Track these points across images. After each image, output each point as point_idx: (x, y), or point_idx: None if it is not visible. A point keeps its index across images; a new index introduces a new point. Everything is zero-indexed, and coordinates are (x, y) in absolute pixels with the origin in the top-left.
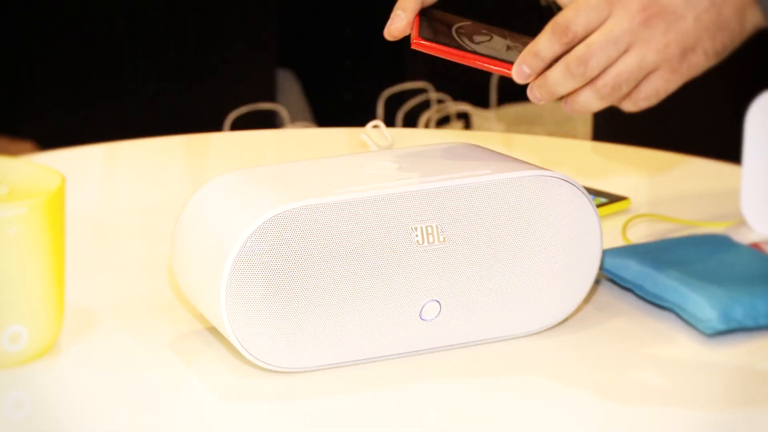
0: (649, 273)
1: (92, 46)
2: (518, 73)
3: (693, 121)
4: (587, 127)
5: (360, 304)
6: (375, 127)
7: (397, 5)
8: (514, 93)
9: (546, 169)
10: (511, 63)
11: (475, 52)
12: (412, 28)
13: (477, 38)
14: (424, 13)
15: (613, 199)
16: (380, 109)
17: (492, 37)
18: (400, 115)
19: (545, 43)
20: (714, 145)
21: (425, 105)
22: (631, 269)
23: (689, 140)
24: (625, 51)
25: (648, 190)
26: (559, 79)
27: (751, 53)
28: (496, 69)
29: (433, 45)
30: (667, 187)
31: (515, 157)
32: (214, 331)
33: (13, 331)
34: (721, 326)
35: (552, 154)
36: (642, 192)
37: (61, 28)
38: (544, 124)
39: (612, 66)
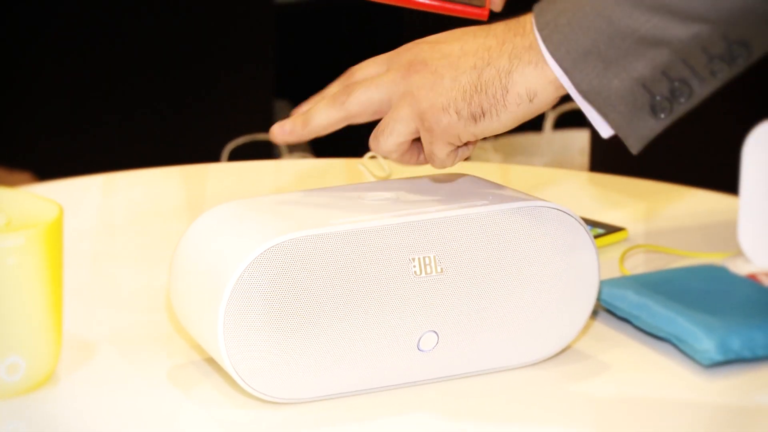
0: (646, 304)
1: (89, 77)
2: (278, 131)
3: (690, 152)
4: (584, 158)
5: (358, 334)
6: (372, 157)
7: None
8: None
9: (543, 200)
10: (482, 5)
11: None
12: None
13: None
14: None
15: (611, 230)
16: None
17: None
18: None
19: (331, 85)
20: (711, 177)
21: None
22: (629, 300)
23: (686, 171)
24: (385, 95)
25: (645, 221)
26: (320, 107)
27: (747, 86)
28: (463, 10)
29: None
30: (664, 218)
31: (512, 188)
32: (211, 361)
33: (11, 361)
34: (719, 357)
35: (549, 185)
36: (639, 223)
37: (59, 59)
38: (541, 155)
39: (368, 103)
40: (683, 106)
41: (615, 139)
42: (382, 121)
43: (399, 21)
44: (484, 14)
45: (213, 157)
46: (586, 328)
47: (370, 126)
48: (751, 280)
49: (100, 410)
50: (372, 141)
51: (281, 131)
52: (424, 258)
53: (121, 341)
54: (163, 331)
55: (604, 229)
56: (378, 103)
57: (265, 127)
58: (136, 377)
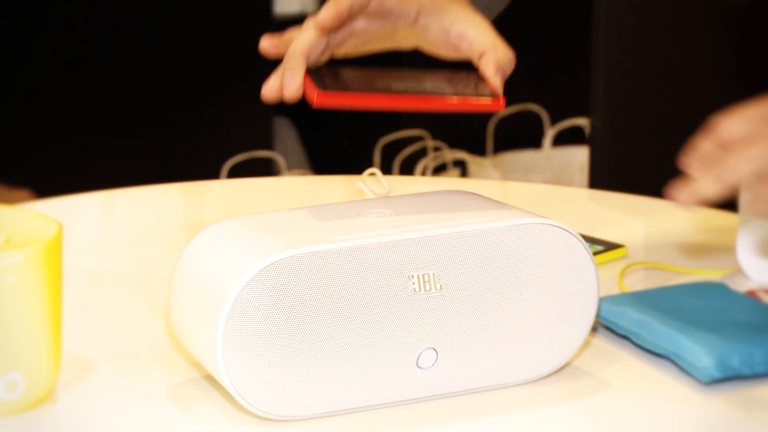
0: (645, 321)
1: (89, 95)
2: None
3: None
4: (583, 175)
5: (357, 351)
6: (372, 174)
7: (283, 66)
8: (510, 141)
9: (542, 217)
10: (443, 95)
11: (392, 92)
12: (305, 87)
13: (385, 80)
14: (312, 70)
15: (610, 246)
16: (377, 156)
17: (399, 76)
18: (396, 163)
19: (698, 144)
20: None
21: (422, 153)
22: (628, 317)
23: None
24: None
25: (644, 237)
26: (704, 182)
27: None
28: (427, 105)
29: (341, 94)
30: (663, 235)
31: (511, 204)
32: (210, 379)
33: (9, 379)
34: (718, 374)
35: (548, 202)
36: (638, 240)
37: (59, 77)
38: (540, 172)
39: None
40: None
41: (615, 157)
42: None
43: None
44: (499, 105)
45: (213, 174)
46: (585, 345)
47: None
48: (751, 297)
49: (99, 428)
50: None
51: None
52: (423, 275)
53: (121, 358)
54: (163, 348)
55: (603, 246)
56: (755, 173)
57: (265, 145)
58: (135, 394)
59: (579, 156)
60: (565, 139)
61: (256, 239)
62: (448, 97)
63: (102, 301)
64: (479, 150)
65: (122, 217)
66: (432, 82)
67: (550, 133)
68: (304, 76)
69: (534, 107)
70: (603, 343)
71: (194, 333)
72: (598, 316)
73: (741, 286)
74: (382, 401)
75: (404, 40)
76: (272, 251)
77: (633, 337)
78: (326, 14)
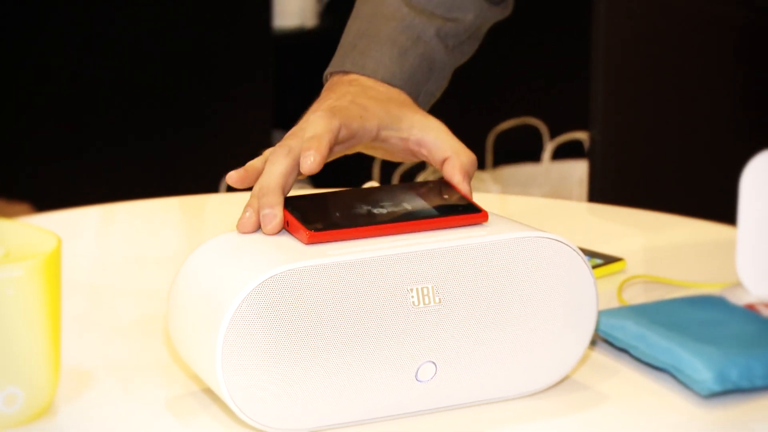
0: (644, 334)
1: (88, 108)
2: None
3: (688, 182)
4: (583, 188)
5: (356, 364)
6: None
7: (263, 203)
8: (509, 155)
9: (541, 231)
10: (429, 218)
11: (379, 222)
12: (287, 221)
13: (364, 207)
14: (289, 205)
15: (609, 260)
16: (376, 169)
17: (374, 198)
18: (396, 176)
19: None
20: (709, 207)
21: (421, 165)
22: (627, 330)
23: (685, 201)
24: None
25: (643, 251)
26: None
27: (746, 118)
28: (417, 229)
29: (331, 233)
30: (662, 249)
31: (511, 218)
32: (209, 392)
33: (9, 392)
34: (717, 387)
35: (547, 216)
36: (637, 253)
37: (58, 90)
38: (539, 185)
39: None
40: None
41: (614, 171)
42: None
43: None
44: (485, 218)
45: (211, 187)
46: (584, 359)
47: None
48: (750, 311)
49: None
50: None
51: None
52: (422, 288)
53: (120, 371)
54: (161, 361)
55: (602, 260)
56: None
57: None
58: (134, 408)
59: (578, 169)
60: (564, 152)
61: (254, 253)
62: (435, 219)
63: (101, 314)
64: (478, 163)
65: (121, 230)
66: (410, 201)
67: (549, 147)
68: (292, 219)
69: (533, 121)
70: (602, 356)
71: (193, 346)
72: (597, 329)
73: (740, 300)
74: (381, 414)
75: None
76: (271, 265)
77: (632, 351)
78: (313, 162)
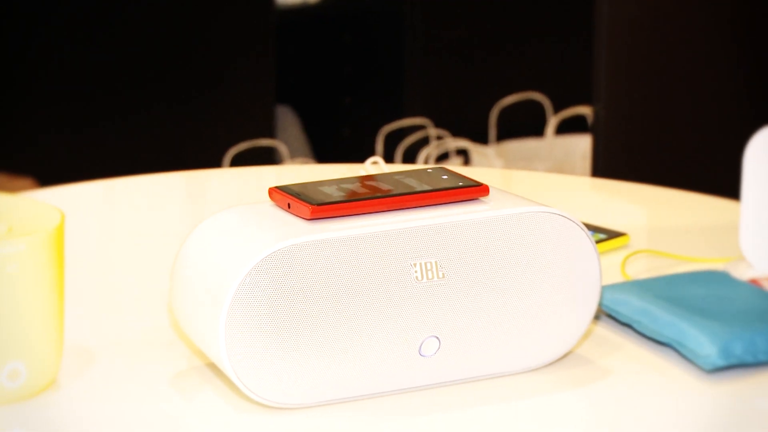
0: (648, 309)
1: (91, 84)
2: None
3: (692, 157)
4: (586, 163)
5: (359, 340)
6: (374, 163)
7: None
8: (513, 129)
9: (545, 206)
10: (430, 191)
11: (387, 196)
12: (288, 205)
13: (366, 186)
14: (289, 189)
15: (612, 235)
16: (379, 145)
17: (378, 180)
18: (399, 152)
19: None
20: (713, 182)
21: (424, 141)
22: (631, 305)
23: (688, 176)
24: None
25: (647, 226)
26: None
27: (749, 92)
28: (418, 202)
29: (334, 207)
30: (666, 223)
31: (514, 193)
32: (213, 367)
33: (12, 367)
34: (721, 362)
35: (551, 191)
36: (641, 228)
37: (61, 64)
38: (542, 160)
39: None
40: None
41: (618, 146)
42: None
43: (399, 26)
44: (485, 189)
45: (215, 162)
46: (587, 333)
47: (370, 132)
48: (753, 285)
49: (101, 416)
50: None
51: None
52: (425, 263)
53: (123, 347)
54: (165, 336)
55: (605, 235)
56: None
57: (267, 133)
58: (137, 383)
59: (582, 144)
60: (567, 127)
61: (258, 228)
62: (437, 192)
63: (104, 289)
64: (482, 138)
65: (125, 205)
66: (411, 179)
67: (552, 122)
68: (292, 198)
69: (537, 96)
70: (605, 331)
71: (196, 321)
72: (600, 304)
73: (744, 275)
74: (385, 389)
75: None
76: (274, 240)
77: (635, 325)
78: None
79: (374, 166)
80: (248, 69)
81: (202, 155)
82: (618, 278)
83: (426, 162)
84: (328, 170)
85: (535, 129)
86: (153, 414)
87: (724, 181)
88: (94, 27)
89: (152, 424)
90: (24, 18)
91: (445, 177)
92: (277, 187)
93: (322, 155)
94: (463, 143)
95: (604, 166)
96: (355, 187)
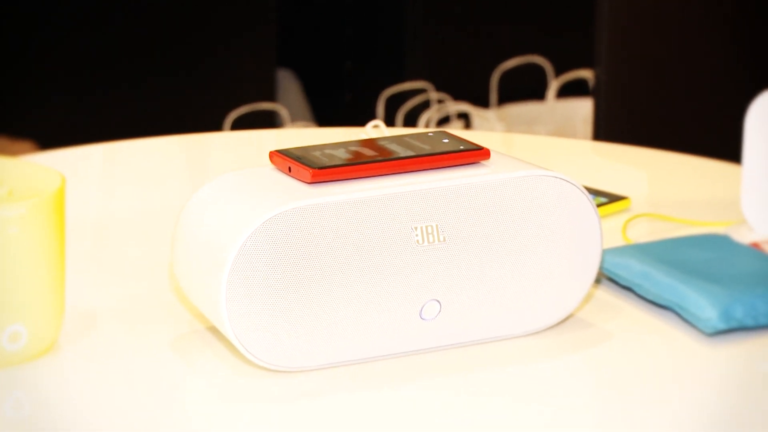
0: (649, 272)
1: (91, 46)
2: None
3: (693, 120)
4: (588, 127)
5: (360, 303)
6: (375, 127)
7: None
8: (514, 93)
9: (546, 169)
10: (431, 154)
11: (388, 160)
12: (288, 169)
13: (367, 150)
14: (290, 152)
15: (613, 198)
16: (380, 108)
17: (380, 144)
18: (400, 115)
19: None
20: (715, 145)
21: (425, 105)
22: (632, 268)
23: (689, 140)
24: None
25: (648, 189)
26: None
27: (751, 55)
28: (467, 155)
29: (335, 170)
30: (667, 187)
31: (515, 156)
32: (214, 330)
33: (12, 330)
34: (722, 325)
35: (552, 154)
36: (642, 191)
37: (61, 28)
38: (544, 124)
39: None
40: None
41: (619, 109)
42: None
43: None
44: (486, 153)
45: (215, 126)
46: (588, 297)
47: (371, 95)
48: (754, 249)
49: (102, 379)
50: None
51: None
52: (426, 227)
53: (124, 311)
54: (166, 300)
55: (606, 198)
56: None
57: (268, 97)
58: (138, 346)
59: (583, 108)
60: (569, 91)
61: (258, 192)
62: (438, 156)
63: (105, 253)
64: (483, 102)
65: (125, 169)
66: (412, 142)
67: (554, 85)
68: (293, 162)
69: (538, 59)
70: (606, 294)
71: (198, 285)
72: (601, 267)
73: (745, 238)
74: (385, 353)
75: None
76: (275, 204)
77: (636, 289)
78: None
79: (375, 129)
80: (249, 32)
81: (202, 119)
82: (619, 242)
83: (427, 126)
84: (329, 134)
85: (537, 92)
86: (153, 377)
87: (726, 145)
88: None
89: (153, 388)
90: None
91: (446, 141)
92: (277, 151)
93: (323, 119)
94: (464, 107)
95: (606, 129)
96: (356, 150)
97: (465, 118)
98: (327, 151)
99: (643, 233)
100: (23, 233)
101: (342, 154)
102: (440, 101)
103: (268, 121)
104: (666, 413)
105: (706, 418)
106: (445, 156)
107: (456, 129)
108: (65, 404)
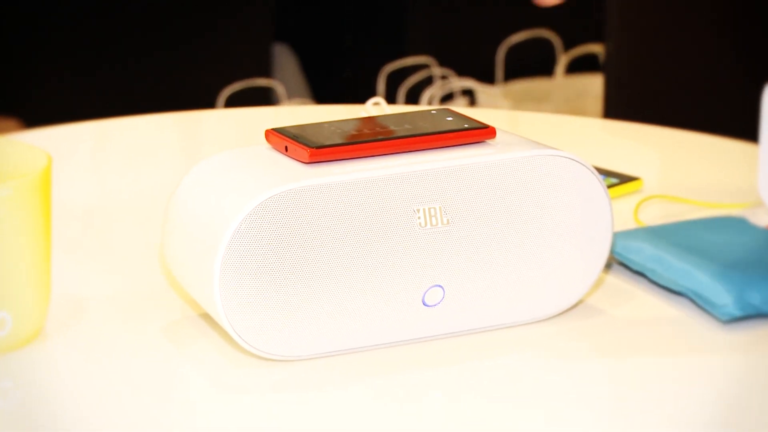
0: (662, 257)
1: (79, 20)
2: None
3: (709, 97)
4: (598, 104)
5: (360, 289)
6: (376, 104)
7: None
8: (521, 69)
9: (554, 149)
10: (435, 133)
11: (389, 139)
12: (285, 148)
13: (368, 128)
14: (287, 131)
15: (625, 179)
16: (381, 85)
17: (380, 122)
18: (401, 92)
19: None
20: (731, 123)
21: (428, 81)
22: (644, 253)
23: (705, 117)
24: None
25: (661, 169)
26: None
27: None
28: (473, 134)
29: (334, 149)
30: (681, 167)
31: (522, 135)
32: (207, 317)
33: None
34: (738, 312)
35: (560, 133)
36: (655, 172)
37: (47, 3)
38: (552, 101)
39: None
40: None
41: (631, 86)
42: None
43: None
44: (492, 132)
45: (208, 103)
46: (598, 283)
47: (371, 71)
48: None
49: (90, 368)
50: None
51: None
52: (429, 209)
53: (113, 297)
54: (157, 286)
55: (618, 179)
56: None
57: (263, 73)
58: (127, 334)
59: (593, 84)
60: (578, 66)
61: (253, 173)
62: (441, 135)
63: (93, 236)
64: (488, 78)
65: (114, 148)
66: (414, 120)
67: (562, 61)
68: (289, 141)
69: (546, 33)
70: (617, 280)
71: (190, 270)
72: (612, 251)
73: (762, 221)
74: (387, 341)
75: None
76: (270, 185)
77: (649, 274)
78: None
79: (376, 107)
80: (244, 5)
81: (194, 95)
82: (631, 224)
83: (430, 103)
84: (328, 111)
85: (545, 68)
86: (144, 366)
87: (743, 123)
88: None
89: (143, 377)
90: None
91: (449, 118)
92: (273, 129)
93: (321, 96)
94: (468, 83)
95: (617, 107)
96: (356, 129)
97: (470, 95)
98: (325, 130)
99: (656, 216)
100: (7, 216)
101: (341, 133)
102: (444, 77)
103: (263, 98)
104: (680, 405)
105: (722, 410)
106: (448, 135)
107: (460, 106)
108: (52, 395)
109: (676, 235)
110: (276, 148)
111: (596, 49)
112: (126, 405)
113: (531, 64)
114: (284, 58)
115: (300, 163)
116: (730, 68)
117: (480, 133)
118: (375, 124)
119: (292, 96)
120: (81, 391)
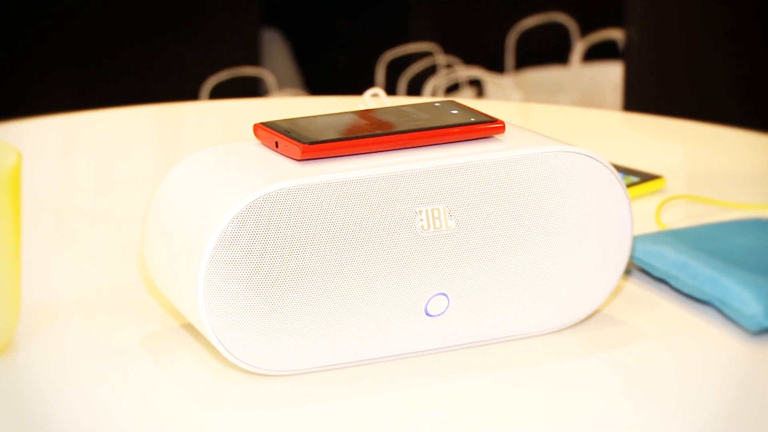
0: (686, 262)
1: (52, 4)
2: None
3: (736, 88)
4: (617, 95)
5: (356, 298)
6: (374, 95)
7: None
8: (533, 56)
9: (569, 144)
10: (440, 127)
11: (389, 133)
12: (275, 144)
13: (366, 122)
14: (278, 126)
15: (646, 177)
16: (380, 74)
17: (380, 115)
18: (402, 82)
19: None
20: (760, 116)
21: (432, 70)
22: (666, 258)
23: (732, 110)
24: None
25: (685, 167)
26: None
27: None
28: (483, 128)
29: (329, 145)
30: (706, 164)
31: (534, 130)
32: (190, 328)
33: None
34: (767, 323)
35: (577, 127)
36: (678, 170)
37: None
38: (567, 91)
39: None
40: None
41: (653, 75)
42: None
43: None
44: (501, 126)
45: (192, 94)
46: (617, 290)
47: (370, 59)
48: None
49: (62, 382)
50: None
51: None
52: (432, 210)
53: (88, 305)
54: (136, 294)
55: (638, 177)
56: None
57: (251, 61)
58: (104, 346)
59: (612, 73)
60: (596, 54)
61: (241, 171)
62: (445, 129)
63: (66, 239)
64: (498, 67)
65: (89, 144)
66: (416, 114)
67: (579, 48)
68: (280, 136)
69: (560, 17)
70: (637, 287)
71: (172, 277)
72: (632, 257)
73: None
74: (387, 354)
75: None
76: (259, 184)
77: (672, 281)
78: None
79: (374, 98)
80: None
81: (176, 85)
82: (652, 227)
83: (434, 94)
84: (322, 103)
85: (559, 56)
86: (122, 381)
87: None
88: None
89: (121, 392)
90: None
91: (455, 112)
92: (263, 124)
93: (315, 86)
94: (476, 72)
95: (638, 98)
96: (353, 123)
97: (477, 86)
98: (319, 124)
99: (680, 217)
100: None
101: (336, 128)
102: (449, 66)
103: (251, 88)
104: (704, 421)
105: (749, 426)
106: (453, 129)
107: (466, 98)
108: (21, 410)
109: (701, 239)
110: (265, 143)
111: (616, 34)
112: (101, 423)
113: (544, 51)
114: (274, 44)
115: (291, 161)
116: (761, 57)
117: (488, 127)
118: (373, 118)
119: (283, 86)
120: (52, 407)
